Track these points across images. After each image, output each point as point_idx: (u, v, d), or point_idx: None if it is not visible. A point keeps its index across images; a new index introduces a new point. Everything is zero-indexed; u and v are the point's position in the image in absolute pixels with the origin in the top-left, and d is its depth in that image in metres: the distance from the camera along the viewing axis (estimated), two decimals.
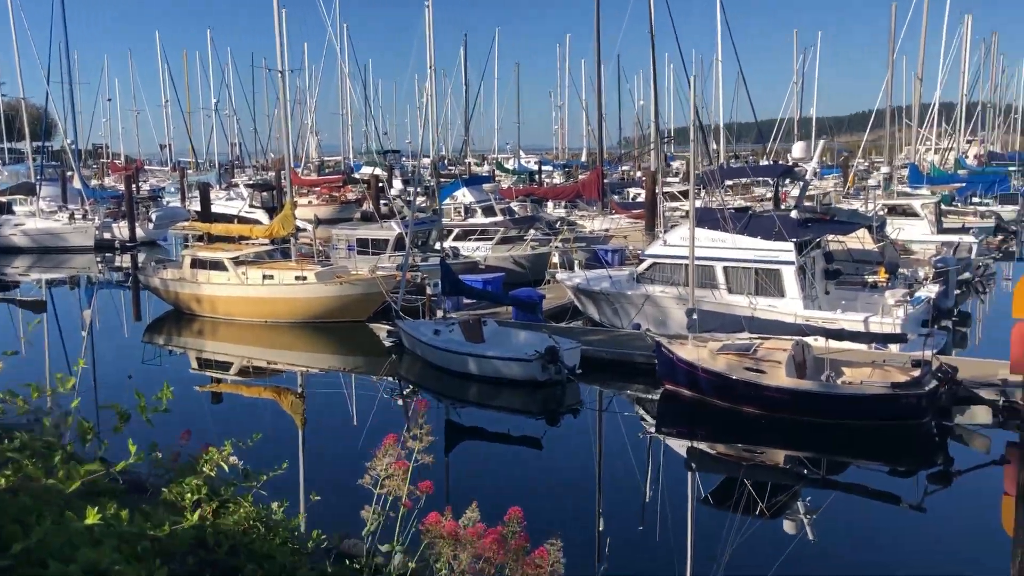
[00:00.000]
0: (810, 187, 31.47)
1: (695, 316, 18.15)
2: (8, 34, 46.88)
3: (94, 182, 67.55)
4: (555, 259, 30.34)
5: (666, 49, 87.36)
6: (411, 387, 22.76)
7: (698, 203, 38.01)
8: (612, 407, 19.89)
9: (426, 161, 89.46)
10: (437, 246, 30.44)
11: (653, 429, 18.85)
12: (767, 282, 21.17)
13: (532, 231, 34.13)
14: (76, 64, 57.48)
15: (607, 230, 36.62)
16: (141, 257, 46.09)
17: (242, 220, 52.38)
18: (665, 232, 37.78)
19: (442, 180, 66.56)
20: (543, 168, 79.10)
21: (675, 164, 73.70)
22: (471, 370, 19.98)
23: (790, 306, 20.68)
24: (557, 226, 35.70)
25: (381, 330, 25.96)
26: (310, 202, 60.63)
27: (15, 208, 47.84)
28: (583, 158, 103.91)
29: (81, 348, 27.76)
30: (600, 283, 23.76)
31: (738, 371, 17.03)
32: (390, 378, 23.57)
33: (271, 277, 26.59)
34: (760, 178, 24.79)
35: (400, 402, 21.87)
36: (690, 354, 17.86)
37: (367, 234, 31.16)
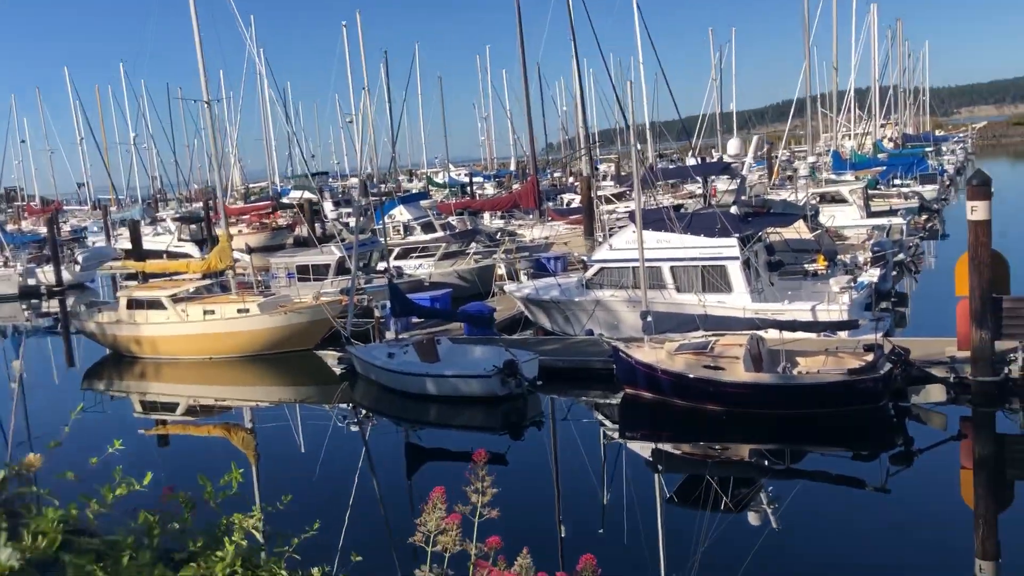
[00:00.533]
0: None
1: (649, 318, 18.25)
2: None
3: (11, 227, 65.28)
4: (501, 271, 30.24)
5: (584, 54, 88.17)
6: (365, 412, 22.45)
7: (632, 205, 38.61)
8: (574, 415, 19.88)
9: (354, 180, 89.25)
10: (380, 267, 30.13)
11: (616, 434, 18.91)
12: (714, 279, 21.42)
13: (473, 244, 34.00)
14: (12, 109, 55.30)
15: (547, 238, 36.69)
16: (70, 301, 44.57)
17: (171, 255, 51.21)
18: (608, 236, 38.22)
19: (377, 198, 66.30)
20: (474, 179, 79.04)
21: (601, 168, 74.47)
22: (429, 390, 19.75)
23: (739, 301, 20.94)
24: (498, 237, 35.61)
25: (330, 357, 25.52)
26: (240, 231, 59.39)
27: None
28: (511, 167, 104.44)
29: (12, 403, 26.76)
30: (549, 292, 23.76)
31: (697, 369, 17.17)
32: (343, 405, 23.18)
33: (212, 312, 25.93)
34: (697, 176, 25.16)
35: (356, 428, 21.57)
36: (648, 356, 17.94)
37: (307, 260, 30.62)
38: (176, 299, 26.30)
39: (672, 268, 21.82)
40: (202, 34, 25.08)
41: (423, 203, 38.88)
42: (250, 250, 56.98)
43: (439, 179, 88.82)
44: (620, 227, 26.79)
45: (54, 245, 44.83)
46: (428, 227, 35.42)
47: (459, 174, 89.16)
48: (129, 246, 53.59)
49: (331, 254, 30.10)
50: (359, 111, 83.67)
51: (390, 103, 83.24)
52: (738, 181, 23.74)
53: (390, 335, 25.10)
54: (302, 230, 60.13)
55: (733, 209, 22.61)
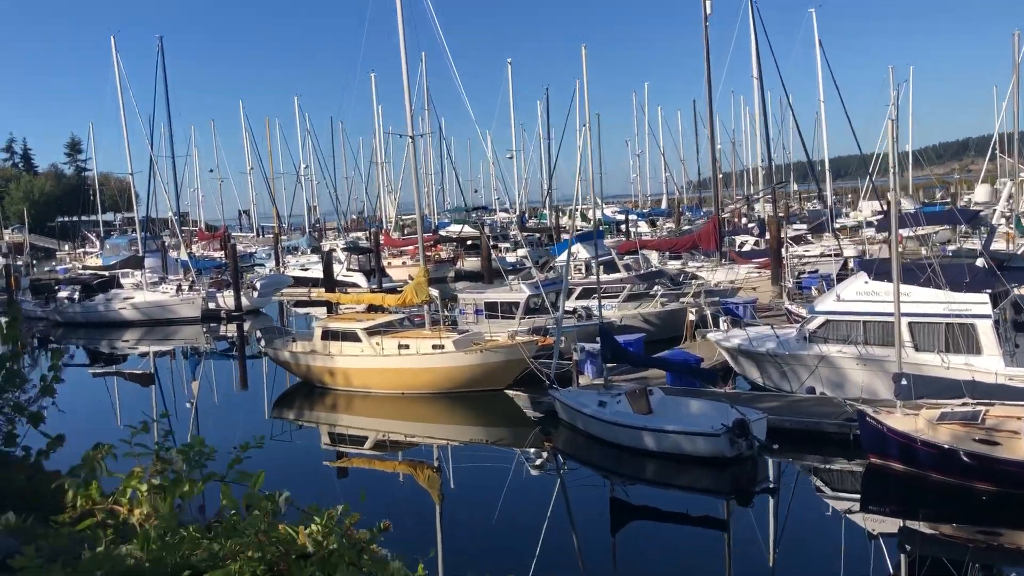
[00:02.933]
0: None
1: (905, 382, 16.47)
2: (113, 114, 47.73)
3: (183, 251, 68.42)
4: (691, 317, 28.80)
5: (741, 91, 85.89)
6: (565, 460, 21.42)
7: (853, 250, 36.37)
8: (805, 482, 18.19)
9: (503, 215, 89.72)
10: (568, 307, 29.25)
11: (857, 506, 17.14)
12: (960, 338, 19.38)
13: (656, 287, 32.73)
14: (189, 140, 58.23)
15: (732, 282, 35.02)
16: (246, 325, 45.96)
17: (340, 284, 52.25)
18: (797, 282, 36.19)
19: (531, 234, 65.97)
20: (629, 217, 77.80)
21: (757, 207, 71.66)
22: (647, 445, 18.52)
23: (989, 364, 18.84)
24: (681, 280, 34.22)
25: (522, 399, 24.77)
26: (404, 263, 60.31)
27: (122, 281, 48.26)
28: (663, 205, 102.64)
29: (189, 422, 27.21)
30: (765, 343, 22.19)
31: (967, 443, 15.28)
32: (532, 449, 22.24)
33: (407, 346, 25.62)
34: (942, 225, 23.13)
35: (552, 476, 20.54)
36: (904, 424, 16.17)
37: (496, 297, 30.07)
38: (371, 332, 26.16)
39: (911, 324, 19.90)
40: (409, 75, 25.10)
41: (607, 241, 37.88)
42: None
43: (591, 216, 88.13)
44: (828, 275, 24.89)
45: (235, 271, 46.33)
46: (610, 266, 34.36)
47: (613, 212, 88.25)
48: (300, 274, 55.30)
49: (520, 292, 29.47)
50: (518, 148, 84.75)
51: (549, 140, 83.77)
52: (986, 230, 21.61)
53: (584, 379, 24.14)
54: (463, 263, 60.57)
55: (979, 261, 20.53)
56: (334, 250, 46.06)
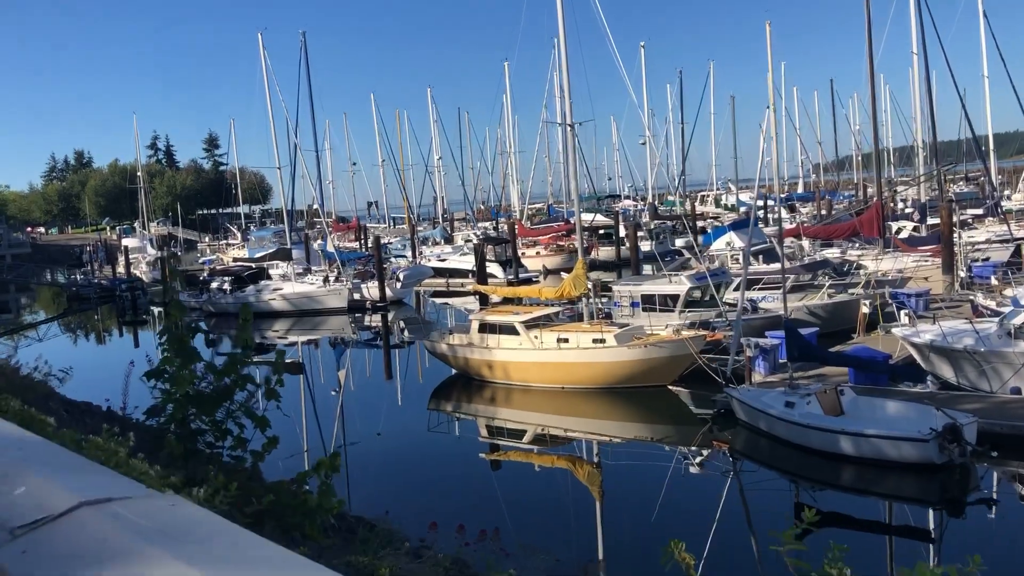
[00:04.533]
0: None
1: None
2: (258, 110, 48.96)
3: (317, 242, 70.05)
4: (865, 309, 27.10)
5: (887, 67, 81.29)
6: (743, 462, 20.38)
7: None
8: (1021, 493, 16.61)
9: (628, 203, 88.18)
10: (728, 298, 28.09)
11: None
12: None
13: (821, 277, 31.06)
14: (324, 134, 59.68)
15: (901, 271, 32.90)
16: (390, 316, 46.52)
17: (475, 274, 52.32)
18: (969, 269, 33.78)
19: (663, 221, 64.46)
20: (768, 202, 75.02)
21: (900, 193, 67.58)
22: (844, 449, 17.29)
23: None
24: (845, 270, 32.40)
25: (687, 395, 23.88)
26: (538, 252, 59.93)
27: (271, 272, 49.66)
28: (799, 189, 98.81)
29: (336, 408, 27.34)
30: (962, 339, 20.50)
31: None
32: (702, 449, 21.24)
33: (567, 340, 25.04)
34: None
35: (728, 478, 19.49)
36: None
37: (654, 289, 29.06)
38: (529, 325, 25.71)
39: None
40: (569, 62, 24.42)
41: (767, 229, 36.33)
42: (547, 272, 57.45)
43: (726, 201, 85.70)
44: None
45: (379, 263, 46.96)
46: (770, 255, 32.83)
47: (749, 197, 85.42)
48: (437, 264, 55.71)
49: (680, 284, 28.41)
50: (651, 131, 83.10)
51: (683, 124, 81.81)
52: None
53: (757, 377, 22.99)
54: (598, 253, 59.68)
55: None
56: (481, 241, 45.79)
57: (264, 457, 5.43)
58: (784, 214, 74.43)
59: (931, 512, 16.46)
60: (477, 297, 39.71)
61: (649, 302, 28.61)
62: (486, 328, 26.50)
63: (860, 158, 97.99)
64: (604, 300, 30.49)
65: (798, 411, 18.35)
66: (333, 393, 30.12)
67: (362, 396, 30.32)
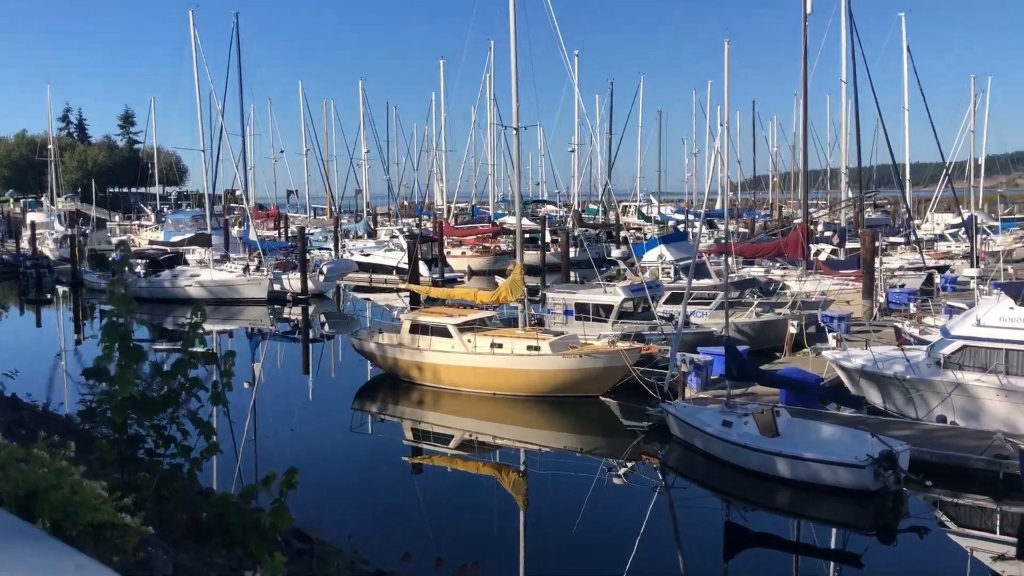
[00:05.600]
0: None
1: None
2: (186, 89, 47.10)
3: (236, 229, 67.98)
4: (792, 330, 27.49)
5: (814, 94, 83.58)
6: (673, 478, 20.33)
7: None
8: (953, 521, 16.89)
9: (551, 208, 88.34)
10: (660, 312, 28.12)
11: (1014, 552, 15.87)
12: None
13: (748, 295, 31.44)
14: (249, 118, 57.80)
15: (824, 293, 33.59)
16: (311, 309, 45.31)
17: (400, 271, 51.46)
18: (887, 294, 34.71)
19: (587, 230, 64.71)
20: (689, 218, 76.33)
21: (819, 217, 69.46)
22: (780, 472, 17.33)
23: None
24: (772, 289, 32.88)
25: (615, 406, 23.80)
26: (463, 253, 59.42)
27: (187, 257, 47.83)
28: (717, 205, 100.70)
29: (250, 402, 26.36)
30: (892, 365, 20.88)
31: None
32: (631, 463, 21.11)
33: (500, 345, 24.62)
34: None
35: (657, 492, 19.37)
36: None
37: (589, 298, 28.86)
38: (463, 328, 25.20)
39: None
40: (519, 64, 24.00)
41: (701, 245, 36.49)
42: (471, 272, 56.99)
43: (648, 213, 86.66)
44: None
45: (303, 254, 45.69)
46: (699, 271, 33.07)
47: (671, 211, 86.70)
48: (361, 259, 54.60)
49: (615, 295, 28.28)
50: (581, 141, 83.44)
51: (611, 134, 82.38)
52: None
53: (690, 392, 23.01)
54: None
55: None
56: (414, 238, 44.92)
57: (202, 465, 4.95)
58: (703, 229, 75.99)
59: (863, 538, 16.61)
60: (407, 296, 39.01)
61: (583, 311, 28.43)
62: (418, 329, 25.88)
63: (778, 179, 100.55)
64: (534, 306, 30.21)
65: (736, 431, 18.35)
66: (246, 386, 29.04)
67: (277, 391, 29.37)
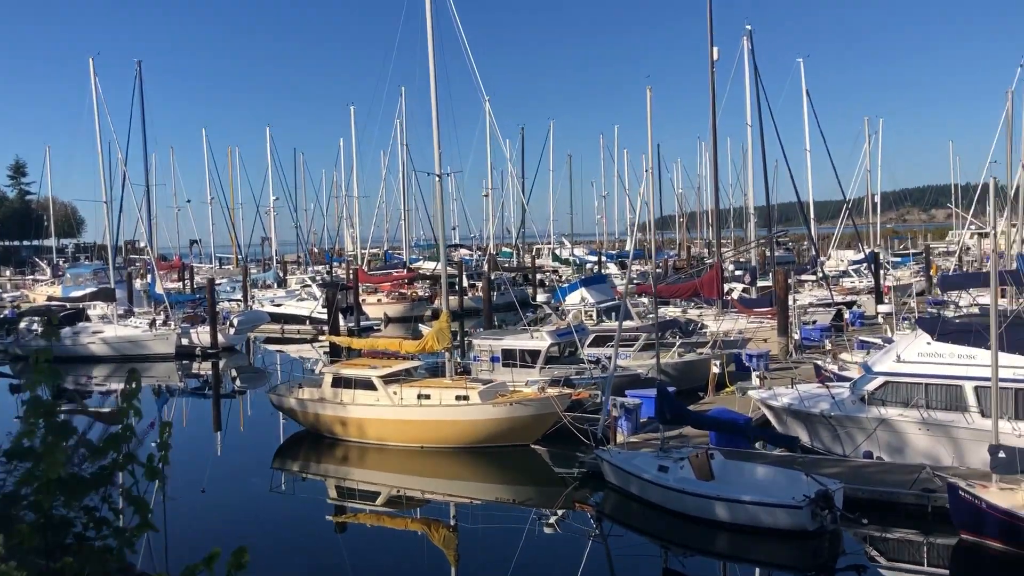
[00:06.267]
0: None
1: (1004, 454, 15.57)
2: (86, 138, 45.38)
3: (139, 282, 65.46)
4: (715, 369, 27.78)
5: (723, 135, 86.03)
6: (610, 526, 20.05)
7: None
8: (888, 558, 17.06)
9: (464, 252, 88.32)
10: (583, 355, 28.05)
11: None
12: None
13: (670, 336, 31.70)
14: (154, 167, 55.98)
15: (742, 332, 34.18)
16: (222, 364, 43.72)
17: (314, 321, 50.28)
18: (800, 331, 35.53)
19: (502, 274, 64.81)
20: (602, 259, 77.24)
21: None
22: (718, 516, 17.25)
23: None
24: (691, 329, 33.27)
25: (546, 454, 23.48)
26: (379, 300, 58.53)
27: (89, 313, 45.63)
28: (627, 246, 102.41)
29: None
30: (818, 403, 21.20)
31: None
32: (564, 511, 20.77)
33: (427, 396, 24.06)
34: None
35: (593, 542, 19.05)
36: (1004, 500, 15.23)
37: (516, 344, 28.57)
38: (388, 380, 24.55)
39: (976, 388, 19.12)
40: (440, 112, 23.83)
41: (620, 287, 36.72)
42: (388, 320, 56.14)
43: (563, 255, 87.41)
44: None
45: (212, 307, 44.16)
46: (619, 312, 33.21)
47: (583, 252, 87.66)
48: (272, 309, 53.15)
49: (542, 339, 28.09)
50: (494, 186, 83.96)
51: (523, 178, 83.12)
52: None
53: (621, 437, 22.89)
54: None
55: None
56: (331, 287, 43.93)
57: (134, 544, 4.46)
58: (614, 269, 77.00)
59: None
60: (323, 347, 37.98)
61: (510, 357, 28.12)
62: (340, 382, 25.10)
63: (684, 219, 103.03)
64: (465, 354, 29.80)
65: (672, 475, 18.23)
66: (153, 444, 27.63)
67: (189, 450, 28.04)
